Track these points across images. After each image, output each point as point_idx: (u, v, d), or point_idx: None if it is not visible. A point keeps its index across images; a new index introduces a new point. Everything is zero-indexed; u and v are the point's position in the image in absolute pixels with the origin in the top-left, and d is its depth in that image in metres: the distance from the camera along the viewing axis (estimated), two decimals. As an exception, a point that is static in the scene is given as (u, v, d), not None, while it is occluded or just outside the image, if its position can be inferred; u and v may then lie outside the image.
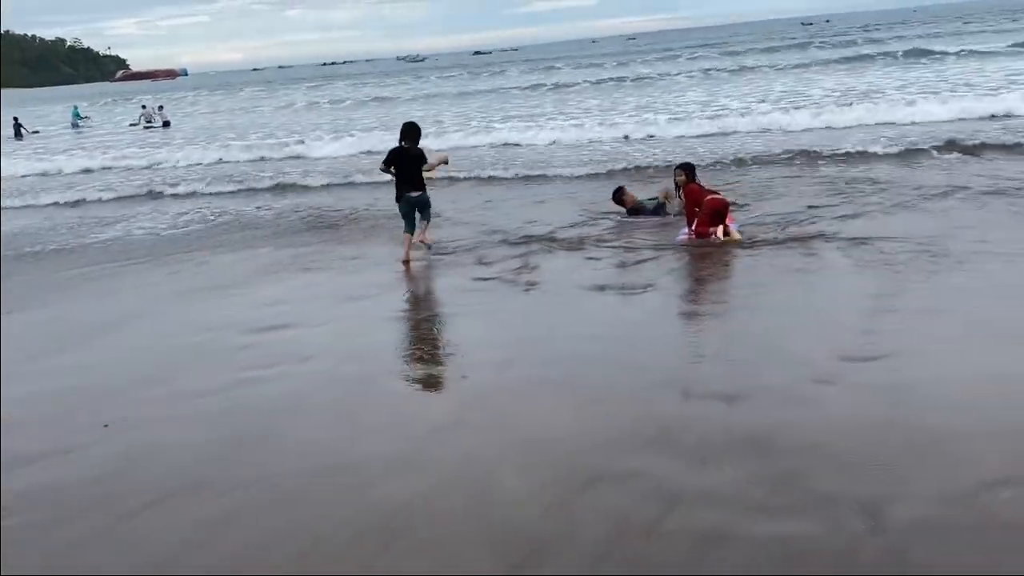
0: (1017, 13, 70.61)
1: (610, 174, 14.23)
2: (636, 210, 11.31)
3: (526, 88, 38.46)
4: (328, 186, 16.16)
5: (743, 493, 4.02)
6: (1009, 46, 32.42)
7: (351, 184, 16.01)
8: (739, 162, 14.06)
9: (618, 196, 11.62)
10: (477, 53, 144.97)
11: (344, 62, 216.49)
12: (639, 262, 8.88)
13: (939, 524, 3.69)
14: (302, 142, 23.68)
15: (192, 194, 16.79)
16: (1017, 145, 13.19)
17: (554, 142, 19.03)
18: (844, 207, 10.26)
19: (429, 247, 10.05)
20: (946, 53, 33.15)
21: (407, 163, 9.68)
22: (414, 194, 9.76)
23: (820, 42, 52.40)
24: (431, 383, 6.03)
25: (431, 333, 7.26)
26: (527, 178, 14.80)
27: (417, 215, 9.90)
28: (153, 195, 17.13)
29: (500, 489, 4.33)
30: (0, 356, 7.17)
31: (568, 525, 3.90)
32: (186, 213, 14.68)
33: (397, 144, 9.80)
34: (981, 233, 8.64)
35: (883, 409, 4.80)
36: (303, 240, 11.58)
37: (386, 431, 5.18)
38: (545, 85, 38.79)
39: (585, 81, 38.44)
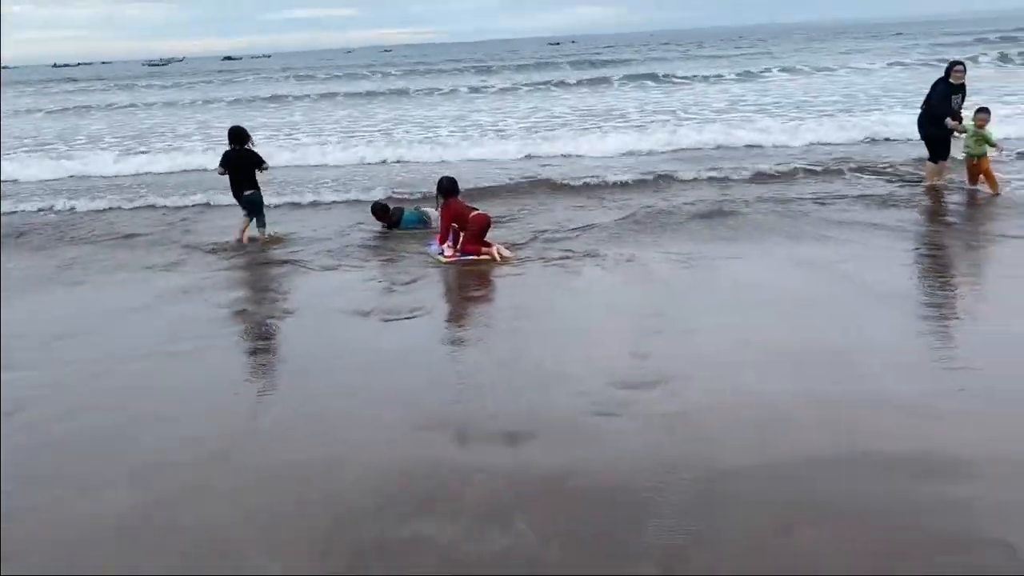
0: (742, 40, 77.72)
1: (366, 192, 13.42)
2: (396, 223, 10.90)
3: (279, 97, 36.60)
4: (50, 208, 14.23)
5: (537, 556, 3.59)
6: (738, 74, 35.06)
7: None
8: (506, 187, 13.72)
9: (378, 210, 11.12)
10: (227, 59, 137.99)
11: (78, 64, 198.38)
12: (405, 283, 8.41)
13: (743, 576, 3.46)
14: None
15: None
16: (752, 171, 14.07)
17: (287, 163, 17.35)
18: (602, 228, 10.30)
19: (276, 239, 10.64)
20: (673, 76, 35.26)
21: (238, 164, 10.55)
22: (248, 192, 10.57)
23: (567, 62, 54.28)
24: (162, 438, 5.08)
25: (164, 375, 6.20)
26: (278, 200, 13.64)
27: (254, 218, 10.66)
28: None
29: (250, 573, 3.63)
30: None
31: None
32: None
33: (228, 148, 10.61)
34: (725, 250, 8.99)
35: (669, 443, 4.57)
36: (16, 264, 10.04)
37: (106, 502, 4.29)
38: (294, 95, 37.01)
39: (340, 92, 37.18)
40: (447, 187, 9.55)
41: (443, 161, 16.57)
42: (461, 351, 6.47)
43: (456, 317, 7.51)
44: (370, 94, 35.61)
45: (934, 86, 11.77)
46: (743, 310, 6.98)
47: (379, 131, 22.85)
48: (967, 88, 11.73)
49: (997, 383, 5.27)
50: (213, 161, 16.03)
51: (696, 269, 8.33)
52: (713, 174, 13.14)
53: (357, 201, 12.93)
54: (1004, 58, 35.99)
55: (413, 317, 7.22)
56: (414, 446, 4.73)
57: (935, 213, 10.46)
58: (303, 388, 5.79)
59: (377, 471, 4.46)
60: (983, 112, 11.25)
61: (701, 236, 9.67)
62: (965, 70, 11.66)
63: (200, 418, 5.36)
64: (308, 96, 35.88)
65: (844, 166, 13.41)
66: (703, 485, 4.13)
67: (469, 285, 8.43)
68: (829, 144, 15.78)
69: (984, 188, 11.16)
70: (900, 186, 11.91)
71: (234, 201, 10.91)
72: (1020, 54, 36.89)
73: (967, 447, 4.42)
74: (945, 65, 12.04)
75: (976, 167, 11.24)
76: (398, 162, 17.15)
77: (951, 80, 11.51)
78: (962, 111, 11.58)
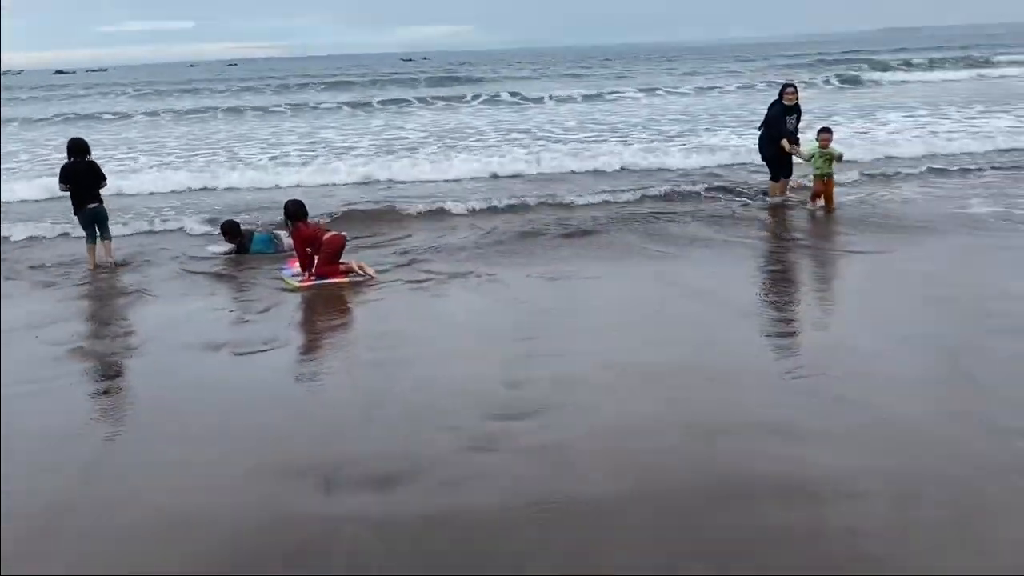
0: (592, 60, 79.45)
1: (209, 215, 12.49)
2: (246, 247, 10.39)
3: (116, 113, 34.29)
4: None
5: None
6: (589, 94, 35.52)
7: None
8: (362, 209, 13.12)
9: (227, 229, 10.57)
10: (59, 72, 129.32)
11: None
12: (259, 312, 7.99)
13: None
14: None
15: None
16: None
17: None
18: (466, 249, 10.16)
19: (117, 264, 9.96)
20: (525, 95, 35.37)
21: (81, 177, 9.90)
22: (92, 205, 9.93)
23: (420, 78, 53.59)
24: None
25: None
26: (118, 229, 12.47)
27: (97, 232, 10.00)
28: None
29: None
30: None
31: None
32: None
33: (68, 161, 9.94)
34: (588, 269, 9.04)
35: (548, 478, 4.43)
36: None
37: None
38: (132, 111, 34.58)
39: (180, 108, 35.17)
40: (293, 211, 9.23)
41: (298, 185, 15.61)
42: (322, 387, 6.12)
43: (315, 348, 7.15)
44: (213, 110, 33.96)
45: (770, 108, 12.36)
46: (611, 331, 6.98)
47: (223, 148, 21.84)
48: (801, 108, 12.33)
49: (852, 396, 5.44)
50: (42, 186, 14.84)
51: (562, 290, 8.31)
52: (573, 197, 13.09)
53: (201, 225, 12.14)
54: (841, 78, 38.52)
55: (269, 350, 6.83)
56: (276, 495, 4.39)
57: (782, 230, 10.90)
58: (149, 434, 5.32)
59: (235, 525, 4.11)
60: (825, 132, 11.79)
61: (564, 256, 9.67)
62: (797, 91, 12.26)
63: (31, 474, 4.81)
64: (146, 112, 33.88)
65: (692, 185, 13.74)
66: (584, 521, 4.01)
67: (328, 312, 8.09)
68: (678, 165, 16.10)
69: (819, 204, 11.63)
70: (746, 205, 12.30)
71: (66, 228, 10.14)
72: (851, 76, 39.60)
73: (836, 466, 4.51)
74: (779, 87, 12.66)
75: (825, 186, 11.64)
76: (245, 188, 15.79)
77: (784, 102, 12.08)
78: (799, 132, 12.14)
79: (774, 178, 12.33)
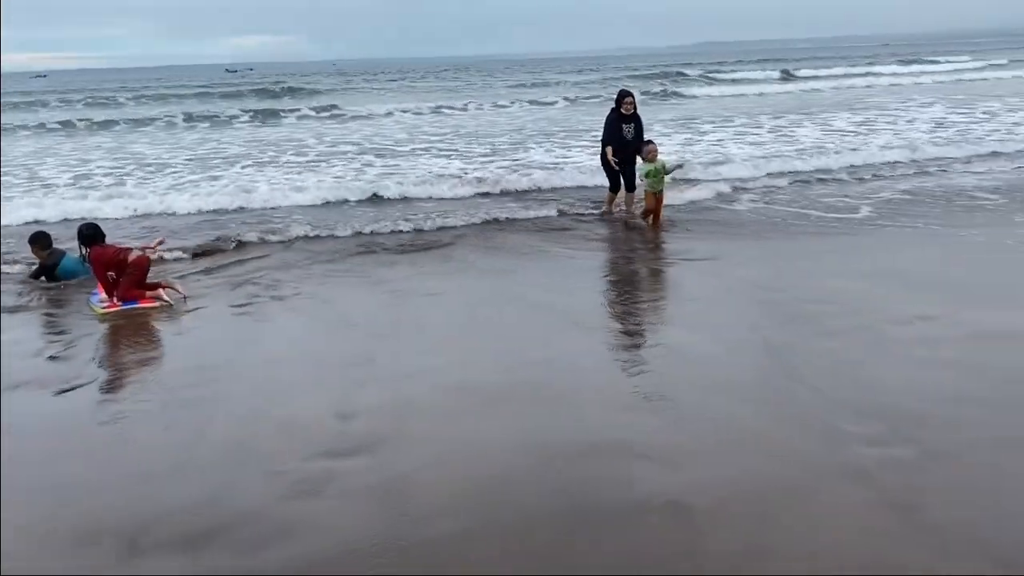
0: (428, 72, 78.97)
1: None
2: (52, 268, 9.34)
3: None
4: None
5: None
6: (433, 107, 35.01)
7: None
8: (178, 233, 12.20)
9: (37, 240, 9.42)
10: None
11: None
12: (63, 346, 7.18)
13: None
14: None
15: None
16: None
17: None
18: (294, 270, 9.58)
19: None
20: (351, 108, 34.49)
21: None
22: None
23: (243, 90, 51.25)
24: None
25: None
26: None
27: None
28: None
29: None
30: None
31: None
32: None
33: None
34: (428, 285, 8.73)
35: (387, 519, 4.05)
36: None
37: None
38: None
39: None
40: (88, 234, 8.57)
41: (104, 218, 13.58)
42: (128, 431, 5.41)
43: (122, 386, 6.37)
44: (10, 125, 30.77)
45: (607, 117, 12.28)
46: (451, 351, 6.67)
47: (22, 167, 19.76)
48: (641, 118, 12.35)
49: (691, 405, 5.38)
50: None
51: (399, 309, 7.91)
52: (405, 213, 12.67)
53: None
54: (663, 90, 40.11)
55: (76, 389, 6.10)
56: (68, 565, 3.80)
57: (618, 241, 10.94)
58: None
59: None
60: (648, 143, 11.81)
61: (401, 274, 9.29)
62: (634, 100, 12.27)
63: None
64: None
65: (528, 199, 13.62)
66: (426, 563, 3.68)
67: (140, 343, 7.37)
68: (514, 178, 15.71)
69: (648, 221, 11.58)
70: (583, 218, 12.25)
71: None
72: (672, 87, 41.35)
73: (680, 481, 4.39)
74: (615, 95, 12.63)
75: (656, 202, 11.53)
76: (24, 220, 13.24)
77: (622, 110, 12.09)
78: (647, 143, 12.01)
79: (612, 189, 12.34)
